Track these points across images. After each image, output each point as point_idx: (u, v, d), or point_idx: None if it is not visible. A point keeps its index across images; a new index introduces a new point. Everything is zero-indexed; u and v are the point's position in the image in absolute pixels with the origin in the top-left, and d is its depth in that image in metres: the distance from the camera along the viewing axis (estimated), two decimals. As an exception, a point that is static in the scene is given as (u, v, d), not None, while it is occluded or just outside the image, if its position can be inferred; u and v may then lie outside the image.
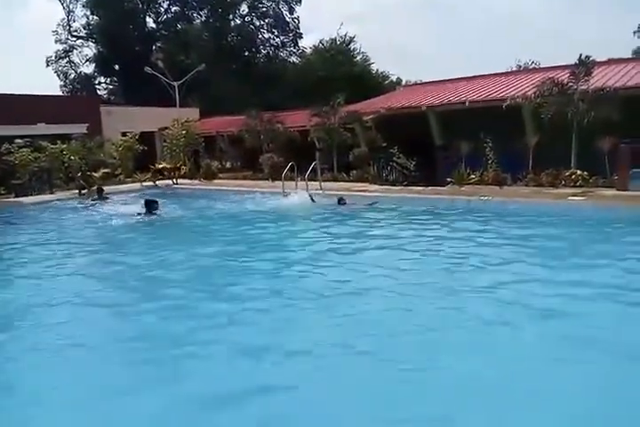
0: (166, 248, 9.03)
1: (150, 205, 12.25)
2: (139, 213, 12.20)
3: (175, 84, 25.67)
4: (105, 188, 16.99)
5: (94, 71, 41.72)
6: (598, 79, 13.78)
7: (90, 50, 41.13)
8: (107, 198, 15.87)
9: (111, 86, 43.25)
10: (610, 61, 17.41)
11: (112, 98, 41.81)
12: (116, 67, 39.53)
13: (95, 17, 39.27)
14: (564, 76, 13.63)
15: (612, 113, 12.01)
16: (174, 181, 20.07)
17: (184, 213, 13.14)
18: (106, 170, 20.01)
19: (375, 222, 10.63)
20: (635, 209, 9.91)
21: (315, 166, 15.46)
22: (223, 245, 9.02)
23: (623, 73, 14.64)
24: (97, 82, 42.71)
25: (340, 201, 12.57)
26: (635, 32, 39.11)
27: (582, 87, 13.07)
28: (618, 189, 11.75)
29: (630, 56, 30.18)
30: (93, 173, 18.74)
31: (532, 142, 13.86)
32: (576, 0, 62.38)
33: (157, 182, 19.71)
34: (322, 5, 59.80)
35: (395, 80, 40.86)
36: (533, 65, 32.82)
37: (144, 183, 19.58)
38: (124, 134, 21.69)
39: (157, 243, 9.81)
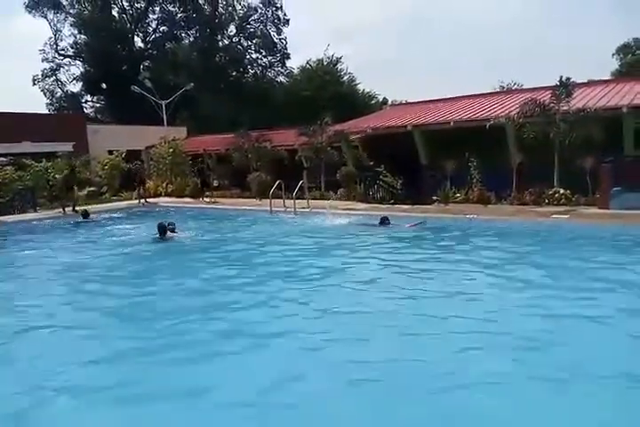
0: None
1: (165, 229, 11.05)
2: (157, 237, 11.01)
3: (163, 102, 25.78)
4: (91, 207, 16.77)
5: (81, 90, 41.83)
6: (579, 100, 14.12)
7: (77, 68, 41.38)
8: (90, 221, 15.06)
9: (98, 105, 43.31)
10: (590, 83, 17.90)
11: (99, 116, 41.83)
12: (104, 85, 39.65)
13: (83, 36, 39.55)
14: (545, 97, 13.95)
15: (593, 133, 12.30)
16: (143, 200, 19.28)
17: (206, 236, 11.68)
18: (91, 188, 19.89)
19: (444, 246, 9.48)
20: (616, 227, 10.06)
21: (302, 185, 15.52)
22: (301, 283, 7.26)
23: (602, 94, 15.04)
24: (84, 100, 42.80)
25: (384, 221, 11.56)
26: (613, 54, 40.51)
27: (564, 108, 13.37)
28: (599, 208, 11.95)
29: (609, 77, 31.12)
30: (79, 193, 18.48)
31: (515, 161, 14.09)
32: (559, 25, 64.39)
33: (142, 201, 19.35)
34: (309, 26, 60.93)
35: (381, 100, 41.53)
36: (516, 86, 33.59)
37: (130, 201, 19.37)
38: (110, 153, 21.64)
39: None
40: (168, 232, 11.09)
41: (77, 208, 16.49)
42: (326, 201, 15.53)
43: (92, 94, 42.38)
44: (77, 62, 41.20)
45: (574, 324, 5.19)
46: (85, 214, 15.41)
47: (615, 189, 12.30)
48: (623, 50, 40.17)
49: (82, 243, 11.65)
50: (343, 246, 9.86)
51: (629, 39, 39.96)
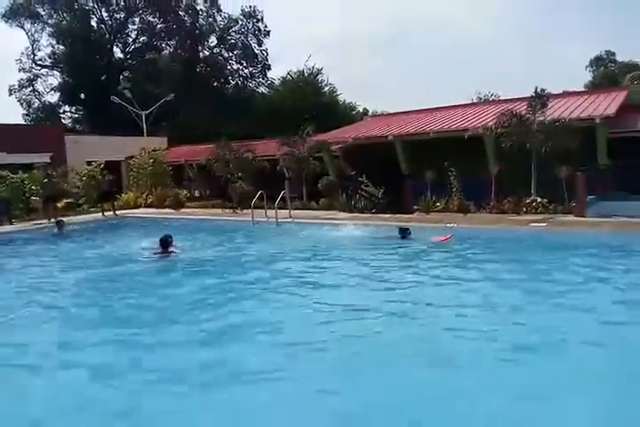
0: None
1: (166, 242, 9.77)
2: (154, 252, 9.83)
3: (143, 113, 25.62)
4: (67, 218, 16.46)
5: (59, 100, 41.33)
6: (554, 111, 14.47)
7: (55, 79, 40.92)
8: (64, 234, 14.43)
9: (76, 115, 42.82)
10: (564, 94, 18.37)
11: (77, 127, 41.34)
12: (82, 96, 39.25)
13: (61, 46, 39.18)
14: (522, 108, 14.26)
15: (568, 143, 12.59)
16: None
17: (208, 252, 10.58)
18: (69, 200, 19.56)
19: (480, 261, 8.68)
20: (592, 234, 10.28)
21: (284, 195, 15.52)
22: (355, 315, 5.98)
23: (577, 105, 15.44)
24: (61, 111, 42.30)
25: (405, 232, 10.67)
26: (586, 66, 41.71)
27: (539, 118, 13.68)
28: (576, 216, 12.20)
29: (583, 89, 31.99)
30: (57, 204, 18.16)
31: (493, 171, 14.33)
32: (534, 37, 66.13)
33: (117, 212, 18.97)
34: (290, 38, 61.45)
35: (362, 110, 41.93)
36: (493, 97, 34.30)
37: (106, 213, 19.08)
38: (89, 164, 21.36)
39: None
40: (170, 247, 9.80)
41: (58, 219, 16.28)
42: (309, 211, 15.54)
43: (71, 105, 41.90)
44: (55, 72, 40.82)
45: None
46: (60, 225, 14.80)
47: (591, 197, 12.60)
48: (596, 62, 41.40)
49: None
50: (387, 270, 8.24)
51: (602, 52, 41.25)
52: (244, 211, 16.92)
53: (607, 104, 14.56)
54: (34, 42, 39.60)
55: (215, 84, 42.11)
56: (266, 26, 41.24)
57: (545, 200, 13.16)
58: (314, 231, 12.68)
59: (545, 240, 10.40)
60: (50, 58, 40.16)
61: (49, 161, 21.46)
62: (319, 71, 40.42)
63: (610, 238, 9.87)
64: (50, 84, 40.90)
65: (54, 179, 18.70)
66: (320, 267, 8.81)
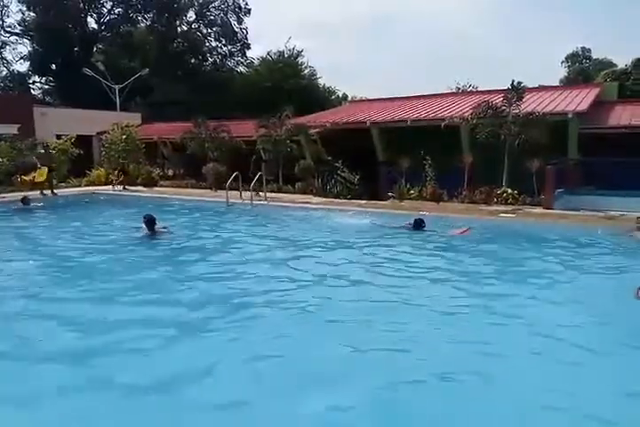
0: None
1: (154, 222, 9.55)
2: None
3: (116, 87, 24.90)
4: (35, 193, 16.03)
5: (28, 70, 39.72)
6: (529, 104, 14.74)
7: (24, 47, 39.41)
8: (31, 209, 14.03)
9: (47, 86, 41.27)
10: (540, 88, 18.70)
11: (47, 98, 39.93)
12: (53, 66, 37.80)
13: (32, 13, 37.51)
14: (498, 100, 14.48)
15: (540, 136, 12.90)
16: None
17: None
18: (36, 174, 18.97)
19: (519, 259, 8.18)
20: (559, 226, 10.63)
21: (260, 177, 15.46)
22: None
23: (551, 99, 15.77)
24: (31, 81, 40.71)
25: (421, 224, 9.97)
26: (562, 62, 42.39)
27: (514, 111, 13.92)
28: (544, 208, 12.56)
29: (558, 84, 32.58)
30: (23, 177, 17.60)
31: (467, 161, 14.57)
32: (514, 31, 66.63)
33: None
34: (271, 18, 60.35)
35: (341, 95, 41.72)
36: (471, 88, 34.59)
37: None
38: (58, 137, 20.72)
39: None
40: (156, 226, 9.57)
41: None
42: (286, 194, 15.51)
43: (41, 75, 40.32)
44: (25, 41, 39.14)
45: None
46: (25, 200, 14.28)
47: (559, 190, 12.98)
48: (571, 58, 42.09)
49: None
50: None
51: (577, 48, 41.93)
52: (218, 192, 16.78)
53: (580, 100, 14.92)
54: (2, 7, 37.87)
55: (192, 60, 41.12)
56: (247, 3, 40.40)
57: (515, 192, 13.48)
58: (314, 219, 12.14)
59: (512, 230, 10.67)
60: (20, 25, 38.43)
61: (16, 132, 20.76)
62: (299, 53, 39.92)
63: (572, 230, 10.17)
64: (19, 53, 39.36)
65: (43, 150, 18.31)
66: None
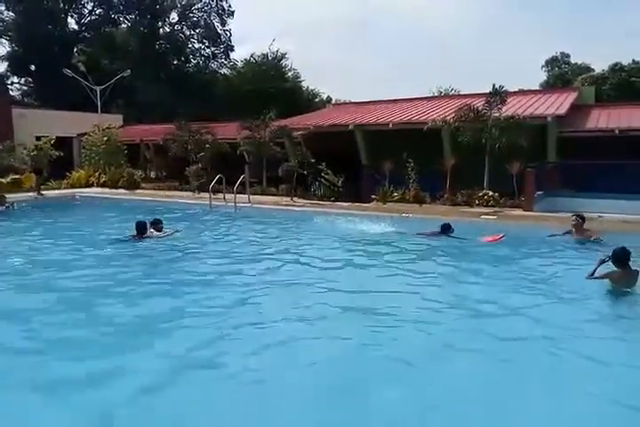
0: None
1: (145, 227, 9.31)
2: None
3: (97, 88, 24.59)
4: (12, 195, 15.69)
5: (6, 70, 38.95)
6: (510, 107, 14.97)
7: (3, 47, 38.50)
8: (8, 208, 13.87)
9: (25, 87, 40.55)
10: (520, 92, 19.02)
11: (26, 99, 39.22)
12: (32, 67, 37.15)
13: (10, 13, 36.88)
14: (479, 104, 14.67)
15: (520, 139, 13.10)
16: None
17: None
18: (15, 176, 18.67)
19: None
20: (538, 227, 10.76)
21: (243, 179, 15.40)
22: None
23: (531, 103, 16.03)
24: (9, 82, 39.88)
25: (448, 230, 9.45)
26: (542, 66, 43.07)
27: (495, 114, 14.13)
28: (524, 210, 12.75)
29: (538, 88, 33.13)
30: (0, 179, 17.30)
31: (449, 164, 14.72)
32: (496, 35, 67.60)
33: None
34: (255, 20, 60.30)
35: (325, 98, 41.78)
36: (453, 92, 34.88)
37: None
38: (38, 139, 20.38)
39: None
40: (150, 231, 9.36)
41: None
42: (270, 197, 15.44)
43: (20, 76, 39.64)
44: (3, 40, 38.37)
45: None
46: (1, 199, 14.02)
47: (539, 193, 13.19)
48: (551, 63, 42.79)
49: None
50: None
51: (557, 53, 42.65)
52: (201, 194, 16.68)
53: (559, 104, 15.21)
54: (-20, 7, 37.06)
55: (175, 62, 40.84)
56: (230, 6, 40.26)
57: (496, 194, 13.66)
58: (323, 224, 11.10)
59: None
60: (-3, 24, 37.73)
61: (-6, 134, 20.39)
62: (283, 56, 39.90)
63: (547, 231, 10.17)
64: (-3, 53, 38.50)
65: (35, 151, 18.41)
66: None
